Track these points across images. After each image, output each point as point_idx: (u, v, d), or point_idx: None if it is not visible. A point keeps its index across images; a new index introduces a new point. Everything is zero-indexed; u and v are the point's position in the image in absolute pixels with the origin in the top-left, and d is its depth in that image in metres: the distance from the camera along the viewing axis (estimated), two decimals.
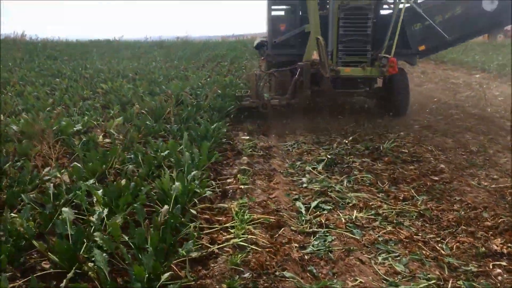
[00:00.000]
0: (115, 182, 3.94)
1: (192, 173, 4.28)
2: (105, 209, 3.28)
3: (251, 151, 5.93)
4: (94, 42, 27.04)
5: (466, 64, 16.89)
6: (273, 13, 8.81)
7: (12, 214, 3.43)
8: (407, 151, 6.02)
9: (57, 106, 8.22)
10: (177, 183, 3.73)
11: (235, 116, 7.99)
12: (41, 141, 5.31)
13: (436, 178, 4.93)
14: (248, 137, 6.71)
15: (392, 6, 8.68)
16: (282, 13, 9.10)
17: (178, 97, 8.84)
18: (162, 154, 4.98)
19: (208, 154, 5.02)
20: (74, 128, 6.26)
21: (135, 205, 3.35)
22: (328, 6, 8.37)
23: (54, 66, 14.32)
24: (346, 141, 6.48)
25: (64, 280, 2.75)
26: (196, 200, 4.02)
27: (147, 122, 6.57)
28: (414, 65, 10.11)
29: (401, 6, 7.77)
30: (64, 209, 3.20)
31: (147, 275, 2.65)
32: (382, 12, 8.83)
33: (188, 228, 3.46)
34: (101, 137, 6.13)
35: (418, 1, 8.38)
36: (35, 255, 3.16)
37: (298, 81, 7.91)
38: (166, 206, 3.35)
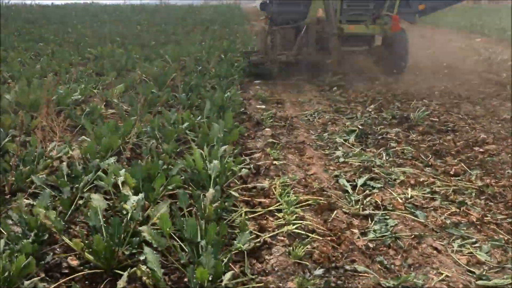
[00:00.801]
0: (139, 161, 3.42)
1: (223, 148, 3.79)
2: (140, 194, 2.77)
3: (271, 121, 5.44)
4: (70, 5, 25.73)
5: (464, 28, 16.50)
6: None
7: (26, 200, 2.91)
8: (437, 119, 5.61)
9: (46, 72, 7.54)
10: (215, 162, 3.23)
11: (242, 81, 7.54)
12: (41, 113, 4.71)
13: (482, 150, 4.53)
14: (264, 106, 6.20)
15: None
16: None
17: (178, 63, 8.25)
18: (181, 126, 4.45)
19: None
20: (72, 98, 5.64)
21: (178, 190, 2.85)
22: None
23: (34, 30, 13.38)
24: (370, 110, 6.04)
25: (103, 283, 2.29)
26: (233, 180, 3.54)
27: (153, 91, 5.97)
28: (415, 23, 9.93)
29: None
30: (93, 195, 2.69)
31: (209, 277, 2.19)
32: None
33: (237, 214, 2.99)
34: (102, 106, 5.54)
35: None
36: (58, 249, 2.68)
37: (304, 38, 7.91)
38: (211, 190, 2.85)
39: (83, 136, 4.36)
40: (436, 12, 18.84)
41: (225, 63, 7.86)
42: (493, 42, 13.48)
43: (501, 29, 14.98)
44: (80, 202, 3.04)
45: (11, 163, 3.31)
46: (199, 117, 4.86)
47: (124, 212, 2.71)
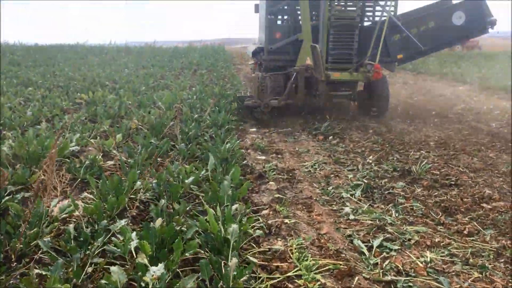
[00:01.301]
0: (151, 223, 3.27)
1: (234, 207, 3.68)
2: (159, 264, 2.62)
3: (274, 174, 5.36)
4: (55, 47, 25.69)
5: (445, 76, 16.95)
6: (269, 22, 9.49)
7: (36, 270, 2.73)
8: (438, 172, 5.60)
9: (38, 120, 7.40)
10: (234, 226, 3.10)
11: (237, 128, 7.55)
12: (41, 167, 4.55)
13: (490, 207, 4.51)
14: (264, 157, 6.13)
15: (375, 18, 9.44)
16: (278, 22, 9.88)
17: (173, 110, 8.19)
18: (187, 181, 4.33)
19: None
20: (70, 148, 5.49)
21: (201, 261, 2.70)
22: (319, 17, 9.06)
23: (21, 73, 13.23)
24: (370, 161, 6.02)
25: None
26: (247, 242, 3.42)
27: (151, 141, 5.86)
28: (393, 72, 11.04)
29: (383, 18, 8.94)
30: (113, 268, 2.53)
31: None
32: (366, 23, 9.57)
33: (257, 283, 2.85)
34: (100, 157, 5.39)
35: (397, 15, 9.21)
36: None
37: (293, 84, 8.60)
38: (234, 260, 2.72)
39: (85, 193, 4.20)
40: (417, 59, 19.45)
41: (221, 110, 7.81)
42: (476, 90, 13.79)
43: (482, 77, 15.41)
44: (90, 269, 2.89)
45: (15, 226, 3.13)
46: (203, 171, 4.75)
47: (143, 284, 2.56)
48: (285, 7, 9.67)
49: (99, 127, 6.96)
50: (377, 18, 9.29)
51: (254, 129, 7.95)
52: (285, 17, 9.88)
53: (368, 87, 9.49)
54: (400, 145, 7.01)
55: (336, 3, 9.02)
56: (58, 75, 13.43)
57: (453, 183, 5.24)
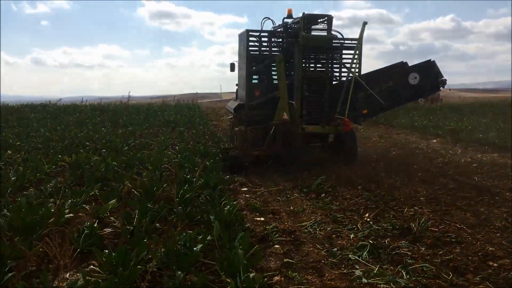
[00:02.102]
0: None
1: (251, 276, 3.58)
2: None
3: (277, 236, 5.30)
4: (25, 105, 25.29)
5: (417, 129, 17.47)
6: (250, 81, 10.71)
7: None
8: (437, 229, 5.66)
9: (23, 185, 7.19)
10: None
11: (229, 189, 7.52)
12: (39, 237, 4.37)
13: (496, 265, 4.55)
14: (262, 218, 6.08)
15: (342, 78, 10.77)
16: (257, 81, 11.03)
17: (160, 170, 8.11)
18: (195, 249, 4.22)
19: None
20: (65, 216, 5.30)
21: None
22: (293, 77, 10.23)
23: None
24: (368, 219, 6.05)
25: None
26: None
27: (149, 205, 5.74)
28: (359, 125, 12.30)
29: (349, 78, 10.25)
30: None
31: None
32: (335, 82, 10.80)
33: None
34: (96, 225, 5.22)
35: (361, 75, 10.47)
36: None
37: (272, 136, 9.62)
38: None
39: (92, 266, 4.03)
40: (389, 113, 20.20)
41: (212, 170, 7.78)
42: (449, 143, 14.23)
43: (454, 130, 15.94)
44: None
45: None
46: (209, 237, 4.65)
47: None
48: (263, 68, 10.72)
49: (88, 191, 6.79)
50: (344, 78, 10.54)
51: (245, 189, 7.90)
52: (263, 76, 11.02)
53: (338, 138, 10.40)
54: (393, 201, 7.07)
55: (307, 65, 10.36)
56: (34, 136, 13.16)
57: (454, 240, 5.28)
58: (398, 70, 10.85)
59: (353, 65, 10.26)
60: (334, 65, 10.66)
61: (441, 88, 11.37)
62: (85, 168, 8.38)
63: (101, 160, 8.91)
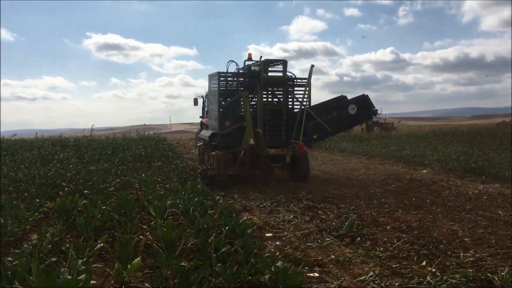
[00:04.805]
0: None
1: None
2: None
3: None
4: None
5: (401, 158, 17.15)
6: (221, 114, 12.48)
7: None
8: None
9: (10, 240, 5.94)
10: None
11: None
12: None
13: None
14: (316, 274, 5.15)
15: (294, 109, 12.99)
16: (227, 113, 12.77)
17: (165, 215, 7.05)
18: None
19: None
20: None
21: None
22: (256, 109, 12.55)
23: None
24: (432, 269, 5.27)
25: None
26: None
27: (182, 264, 4.69)
28: (311, 148, 14.67)
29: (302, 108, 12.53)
30: None
31: None
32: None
33: None
34: None
35: (311, 106, 12.84)
36: None
37: (242, 158, 11.52)
38: None
39: None
40: (365, 143, 20.04)
41: (227, 213, 6.81)
42: (441, 173, 13.88)
43: (441, 160, 15.67)
44: None
45: None
46: None
47: None
48: (232, 103, 12.70)
49: (93, 244, 5.64)
50: (297, 109, 12.80)
51: (269, 234, 6.95)
52: (232, 109, 12.91)
53: (294, 159, 12.39)
54: (439, 244, 6.32)
55: (267, 99, 12.72)
56: None
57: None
58: (340, 102, 13.31)
59: (304, 99, 12.58)
60: (289, 99, 12.94)
61: (374, 117, 14.97)
62: (75, 214, 7.18)
63: (92, 204, 7.70)
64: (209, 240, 5.45)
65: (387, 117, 59.44)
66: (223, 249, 5.20)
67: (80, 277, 4.35)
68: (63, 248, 5.53)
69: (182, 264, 4.72)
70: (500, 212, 8.47)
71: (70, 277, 4.13)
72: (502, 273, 4.92)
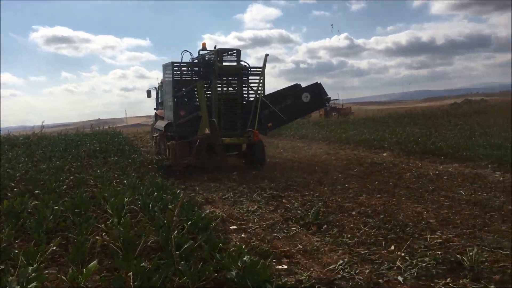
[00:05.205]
0: None
1: None
2: None
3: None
4: None
5: (361, 143, 17.23)
6: (176, 103, 12.55)
7: None
8: (484, 259, 4.90)
9: None
10: None
11: None
12: None
13: None
14: (284, 266, 4.95)
15: (250, 98, 13.06)
16: (182, 103, 12.90)
17: (122, 213, 6.68)
18: None
19: None
20: None
21: None
22: (211, 98, 12.55)
23: None
24: (402, 254, 5.17)
25: None
26: None
27: (143, 264, 4.37)
28: (265, 135, 14.08)
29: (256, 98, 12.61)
30: None
31: None
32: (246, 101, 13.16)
33: None
34: None
35: (266, 94, 12.92)
36: None
37: (198, 148, 11.73)
38: None
39: None
40: (324, 129, 20.18)
41: (191, 207, 6.51)
42: (401, 156, 14.02)
43: (398, 142, 15.83)
44: None
45: None
46: None
47: None
48: (187, 93, 12.80)
49: (45, 248, 5.22)
50: (252, 98, 12.85)
51: (234, 227, 6.70)
52: (187, 99, 13.10)
53: (250, 147, 12.86)
54: (406, 227, 6.27)
55: (222, 89, 12.82)
56: None
57: None
58: (294, 91, 13.43)
59: (259, 88, 12.63)
60: (244, 88, 12.98)
61: (327, 104, 16.03)
62: (25, 217, 6.70)
63: (43, 205, 7.21)
64: (171, 237, 5.14)
65: (344, 103, 60.23)
66: (186, 246, 4.92)
67: (30, 286, 4.00)
68: (12, 255, 5.09)
69: (143, 264, 4.40)
70: (461, 191, 8.56)
71: (18, 286, 3.76)
72: (471, 253, 4.87)
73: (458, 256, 4.94)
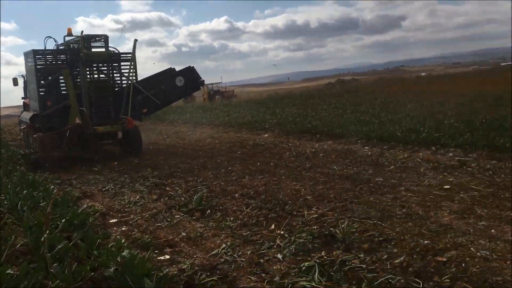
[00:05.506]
0: None
1: None
2: None
3: (204, 278, 4.22)
4: None
5: (244, 125, 17.54)
6: (41, 93, 11.95)
7: None
8: (354, 229, 5.29)
9: None
10: None
11: None
12: None
13: (444, 259, 4.32)
14: (167, 256, 4.87)
15: (122, 84, 12.86)
16: (48, 93, 12.13)
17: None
18: None
19: None
20: None
21: None
22: (80, 85, 12.14)
23: None
24: (281, 232, 5.36)
25: None
26: None
27: (9, 271, 4.02)
28: (141, 122, 14.44)
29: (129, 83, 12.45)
30: None
31: None
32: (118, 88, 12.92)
33: None
34: None
35: (138, 80, 12.83)
36: None
37: (69, 139, 11.11)
38: None
39: None
40: (208, 112, 20.24)
41: (65, 202, 6.10)
42: (281, 136, 14.53)
43: (279, 123, 16.38)
44: None
45: None
46: None
47: None
48: (53, 81, 12.06)
49: None
50: (124, 85, 12.63)
51: (114, 220, 6.44)
52: (54, 88, 12.23)
53: (126, 134, 12.60)
54: (285, 205, 6.54)
55: (92, 76, 12.42)
56: None
57: (382, 239, 4.96)
58: (167, 75, 13.42)
59: (131, 74, 12.47)
60: (115, 75, 12.75)
61: (201, 87, 16.24)
62: None
63: None
64: (42, 238, 4.79)
65: (227, 86, 60.82)
66: (60, 246, 4.61)
67: None
68: None
69: (9, 271, 4.05)
70: (335, 167, 9.13)
71: None
72: (342, 226, 5.22)
73: (331, 229, 5.27)
